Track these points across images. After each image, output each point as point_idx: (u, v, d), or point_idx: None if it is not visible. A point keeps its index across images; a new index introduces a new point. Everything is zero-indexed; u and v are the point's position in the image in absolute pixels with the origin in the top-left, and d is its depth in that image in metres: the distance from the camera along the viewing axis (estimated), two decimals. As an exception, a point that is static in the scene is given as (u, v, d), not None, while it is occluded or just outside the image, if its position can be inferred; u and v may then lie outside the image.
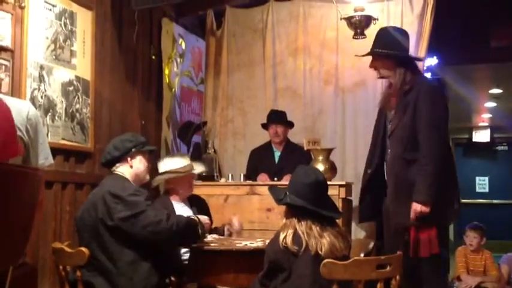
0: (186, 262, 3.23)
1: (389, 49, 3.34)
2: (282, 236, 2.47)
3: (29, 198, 2.58)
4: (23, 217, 2.55)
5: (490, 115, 10.71)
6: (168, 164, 3.46)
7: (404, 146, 3.22)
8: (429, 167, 3.16)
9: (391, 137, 3.31)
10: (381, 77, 3.46)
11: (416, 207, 3.15)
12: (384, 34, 3.49)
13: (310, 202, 2.46)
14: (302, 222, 2.45)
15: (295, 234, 2.44)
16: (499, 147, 12.71)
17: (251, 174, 4.77)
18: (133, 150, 2.96)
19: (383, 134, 3.41)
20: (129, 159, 2.95)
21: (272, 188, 2.69)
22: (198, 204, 3.68)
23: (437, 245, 3.18)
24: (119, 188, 2.79)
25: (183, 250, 3.28)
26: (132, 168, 2.95)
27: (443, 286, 3.46)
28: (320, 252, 2.39)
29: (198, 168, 3.78)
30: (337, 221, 2.63)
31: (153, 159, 3.60)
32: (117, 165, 2.95)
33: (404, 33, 3.52)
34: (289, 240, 2.43)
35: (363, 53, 4.98)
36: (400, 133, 3.25)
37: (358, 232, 4.86)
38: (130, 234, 2.72)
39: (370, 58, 4.99)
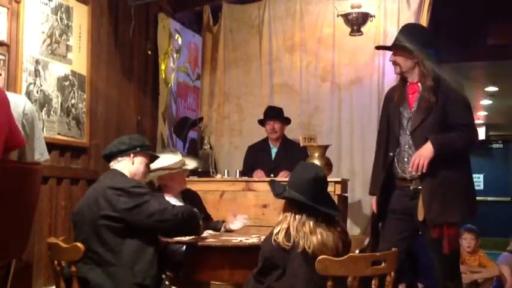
0: (182, 258, 3.23)
1: (413, 44, 3.34)
2: (275, 231, 2.47)
3: (31, 192, 2.59)
4: (27, 211, 2.57)
5: (486, 113, 10.74)
6: (160, 161, 3.45)
7: None
8: (467, 135, 3.24)
9: (414, 135, 3.27)
10: (400, 73, 3.38)
11: (426, 152, 3.15)
12: (408, 29, 3.47)
13: (309, 198, 2.46)
14: (297, 217, 2.45)
15: (288, 230, 2.44)
16: (494, 145, 12.75)
17: (248, 170, 4.77)
18: (138, 149, 2.98)
19: (398, 130, 3.38)
20: (132, 155, 2.96)
21: (273, 183, 2.68)
22: (191, 197, 3.67)
23: (456, 242, 3.25)
24: (120, 182, 2.81)
25: (178, 245, 3.28)
26: (133, 165, 2.96)
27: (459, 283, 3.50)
28: (308, 249, 2.38)
29: (191, 164, 3.79)
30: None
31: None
32: (119, 159, 2.96)
33: (428, 32, 3.56)
34: (281, 236, 2.43)
35: (362, 51, 5.00)
36: (428, 130, 3.22)
37: (353, 229, 4.87)
38: (135, 225, 2.73)
39: (367, 55, 5.08)
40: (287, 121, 4.87)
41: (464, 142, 3.25)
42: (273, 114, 4.82)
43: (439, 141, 3.18)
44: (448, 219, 3.18)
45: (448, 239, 3.17)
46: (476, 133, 3.37)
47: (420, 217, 3.23)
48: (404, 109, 3.36)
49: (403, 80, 3.42)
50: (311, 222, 2.43)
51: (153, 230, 2.82)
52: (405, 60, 3.33)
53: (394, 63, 3.39)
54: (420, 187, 3.24)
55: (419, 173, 3.20)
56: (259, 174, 4.63)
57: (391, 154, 3.37)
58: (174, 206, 2.88)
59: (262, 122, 4.88)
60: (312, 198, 2.46)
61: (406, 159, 3.29)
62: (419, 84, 3.32)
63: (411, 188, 3.29)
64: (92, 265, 2.71)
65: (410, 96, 3.36)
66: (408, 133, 3.30)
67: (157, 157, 3.27)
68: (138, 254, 2.73)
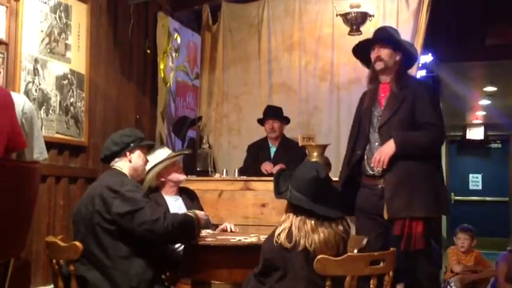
0: (180, 257, 3.23)
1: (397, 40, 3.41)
2: (277, 232, 2.46)
3: (30, 191, 2.59)
4: (25, 210, 2.57)
5: (484, 113, 10.74)
6: (153, 160, 3.44)
7: None
8: (433, 134, 3.26)
9: (381, 131, 3.32)
10: (381, 69, 3.41)
11: (387, 149, 3.19)
12: (387, 28, 3.55)
13: (310, 198, 2.45)
14: (298, 217, 2.45)
15: (290, 229, 2.43)
16: (493, 145, 12.75)
17: (247, 168, 4.77)
18: (132, 145, 2.96)
19: (368, 128, 3.41)
20: (128, 154, 2.95)
21: (278, 177, 2.65)
22: (188, 196, 3.65)
23: (422, 241, 3.21)
24: (118, 183, 2.78)
25: (177, 245, 3.27)
26: (131, 162, 2.95)
27: (433, 281, 3.48)
28: (309, 248, 2.37)
29: (183, 151, 3.79)
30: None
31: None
32: (116, 160, 2.95)
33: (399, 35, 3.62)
34: (283, 236, 2.42)
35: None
36: (394, 127, 3.28)
37: (351, 228, 4.87)
38: (127, 230, 2.72)
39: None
40: (286, 120, 4.88)
41: (429, 141, 3.27)
42: (273, 113, 4.83)
43: (402, 139, 3.23)
44: (411, 213, 3.18)
45: (407, 236, 3.17)
46: (443, 133, 3.39)
47: (386, 215, 3.25)
48: (375, 108, 3.43)
49: (375, 81, 3.47)
50: (312, 222, 2.42)
51: (144, 238, 2.76)
52: (390, 55, 3.38)
53: (378, 58, 3.40)
54: None
55: (380, 169, 3.25)
56: (267, 167, 4.62)
57: (358, 152, 3.41)
58: (166, 216, 2.78)
59: (261, 121, 4.89)
60: (313, 198, 2.45)
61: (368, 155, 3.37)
62: (391, 84, 3.38)
63: (379, 186, 3.32)
64: (89, 266, 2.70)
65: (382, 95, 3.43)
66: (377, 130, 3.33)
67: (153, 144, 3.27)
68: (131, 258, 2.71)
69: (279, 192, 2.55)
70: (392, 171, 3.23)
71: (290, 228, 2.43)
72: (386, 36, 3.44)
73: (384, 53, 3.39)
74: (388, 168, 3.23)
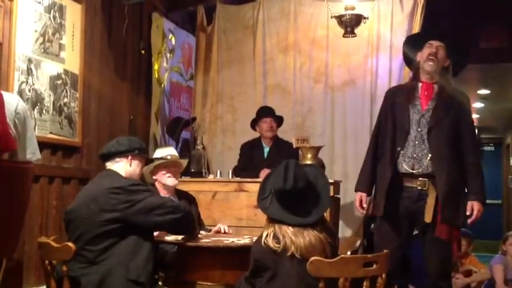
0: (174, 258, 3.23)
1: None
2: (264, 234, 2.47)
3: (23, 192, 2.58)
4: (18, 210, 2.56)
5: (478, 116, 10.79)
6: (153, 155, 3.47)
7: (450, 145, 3.26)
8: (480, 167, 3.35)
9: (432, 134, 3.26)
10: (431, 72, 3.32)
11: (480, 206, 3.25)
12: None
13: (283, 206, 2.45)
14: (277, 224, 2.44)
15: (275, 234, 2.43)
16: (486, 148, 12.80)
17: (241, 168, 4.76)
18: (136, 151, 2.99)
19: (408, 125, 3.33)
20: (130, 157, 2.96)
21: (266, 180, 2.63)
22: (187, 200, 3.66)
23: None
24: (118, 181, 2.83)
25: (170, 246, 3.27)
26: (130, 167, 2.96)
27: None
28: (296, 253, 2.37)
29: (181, 159, 3.81)
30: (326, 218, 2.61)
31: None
32: (117, 160, 2.95)
33: None
34: (270, 239, 2.43)
35: (355, 52, 5.02)
36: (444, 131, 3.26)
37: (345, 230, 4.88)
38: (135, 223, 2.74)
39: (361, 57, 5.10)
40: (281, 121, 4.87)
41: (482, 177, 3.35)
42: (269, 111, 4.82)
43: (483, 192, 3.30)
44: (456, 221, 3.25)
45: (457, 242, 3.31)
46: (480, 160, 3.48)
47: (428, 219, 3.22)
48: (414, 106, 3.33)
49: (415, 79, 3.41)
50: (290, 228, 2.42)
51: (153, 226, 2.84)
52: (443, 59, 3.35)
53: (435, 56, 3.32)
54: (425, 188, 3.25)
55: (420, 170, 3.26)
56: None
57: (398, 149, 3.32)
58: (172, 199, 2.91)
59: (253, 125, 4.86)
60: (286, 207, 2.45)
61: (415, 155, 3.27)
62: (435, 85, 3.33)
63: (415, 189, 3.27)
64: (86, 264, 2.70)
65: (423, 94, 3.35)
66: (420, 129, 3.28)
67: (152, 161, 3.30)
68: (134, 251, 2.74)
69: (261, 199, 2.55)
70: (444, 177, 3.22)
71: (275, 232, 2.43)
72: (454, 41, 3.41)
73: (441, 52, 3.33)
74: (437, 170, 3.23)
